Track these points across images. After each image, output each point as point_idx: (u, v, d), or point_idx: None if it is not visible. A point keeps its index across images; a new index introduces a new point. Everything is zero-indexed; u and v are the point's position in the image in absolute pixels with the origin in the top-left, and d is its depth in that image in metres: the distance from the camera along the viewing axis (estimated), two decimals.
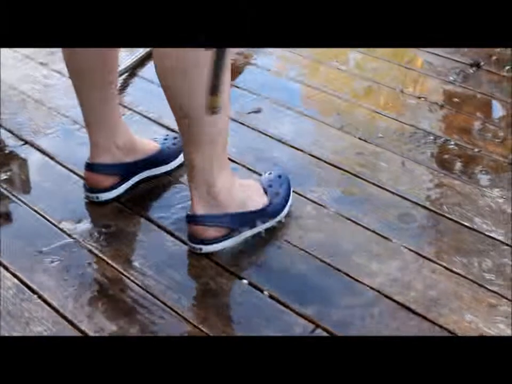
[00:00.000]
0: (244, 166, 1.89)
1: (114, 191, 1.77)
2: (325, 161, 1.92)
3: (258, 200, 1.65)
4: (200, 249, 1.60)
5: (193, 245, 1.60)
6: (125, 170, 1.77)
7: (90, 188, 1.76)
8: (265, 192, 1.68)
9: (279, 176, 1.75)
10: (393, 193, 1.80)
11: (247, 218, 1.63)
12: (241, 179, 1.68)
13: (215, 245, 1.61)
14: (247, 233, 1.64)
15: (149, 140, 1.86)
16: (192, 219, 1.59)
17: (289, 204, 1.72)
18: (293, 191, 1.76)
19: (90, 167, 1.75)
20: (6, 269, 1.57)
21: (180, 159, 1.85)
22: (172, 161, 1.86)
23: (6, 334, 1.40)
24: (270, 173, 1.76)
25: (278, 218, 1.69)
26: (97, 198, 1.76)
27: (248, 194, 1.65)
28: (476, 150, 1.97)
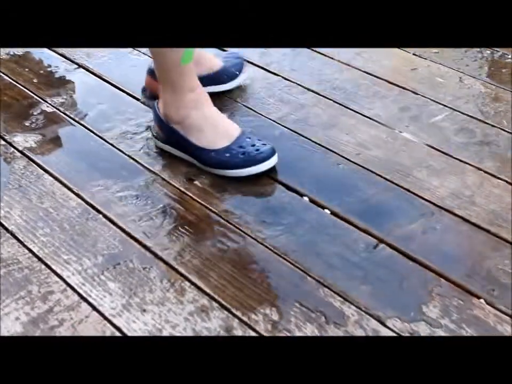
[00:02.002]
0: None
1: None
2: (381, 78, 1.90)
3: None
4: None
5: None
6: None
7: (151, 94, 1.75)
8: None
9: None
10: (451, 108, 1.79)
11: None
12: None
13: None
14: None
15: (213, 55, 1.86)
16: None
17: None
18: (350, 109, 1.76)
19: (151, 72, 1.75)
20: (70, 189, 1.58)
21: (240, 79, 1.84)
22: (232, 80, 1.85)
23: (75, 254, 1.43)
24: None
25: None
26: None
27: None
28: None
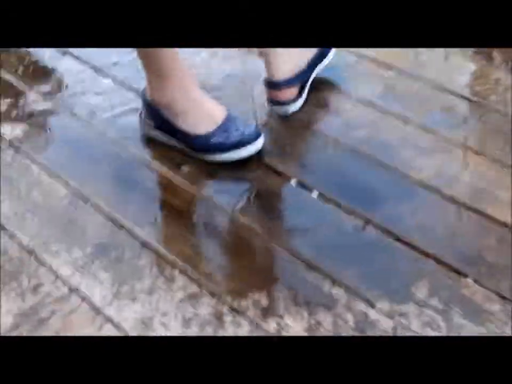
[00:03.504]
0: None
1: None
2: (365, 56, 1.90)
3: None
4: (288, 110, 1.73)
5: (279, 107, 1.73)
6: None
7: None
8: None
9: None
10: (437, 86, 1.79)
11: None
12: None
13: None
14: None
15: None
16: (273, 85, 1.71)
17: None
18: (336, 90, 1.77)
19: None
20: (58, 179, 1.58)
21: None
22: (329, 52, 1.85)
23: (65, 244, 1.43)
24: None
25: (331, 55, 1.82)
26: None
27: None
28: None
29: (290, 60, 1.70)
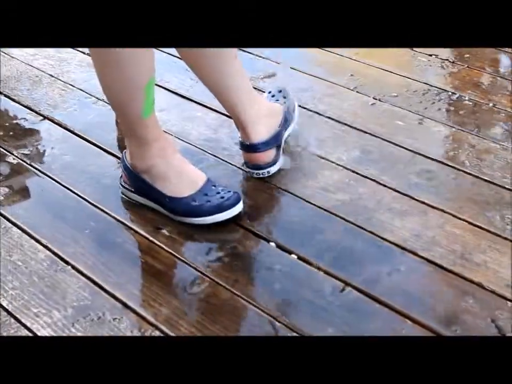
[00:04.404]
0: None
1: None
2: (342, 122, 1.94)
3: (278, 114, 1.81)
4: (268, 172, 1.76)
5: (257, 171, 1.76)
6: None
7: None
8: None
9: (279, 91, 1.91)
10: (411, 151, 1.82)
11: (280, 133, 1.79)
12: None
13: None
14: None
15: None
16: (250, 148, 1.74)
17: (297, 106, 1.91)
18: (313, 154, 1.80)
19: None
20: (38, 241, 1.59)
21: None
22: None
23: (45, 307, 1.43)
24: (270, 91, 1.92)
25: (296, 119, 1.88)
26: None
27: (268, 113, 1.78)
28: (491, 104, 1.99)
29: (265, 122, 1.73)
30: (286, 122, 1.82)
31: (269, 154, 1.75)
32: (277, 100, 1.88)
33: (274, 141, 1.76)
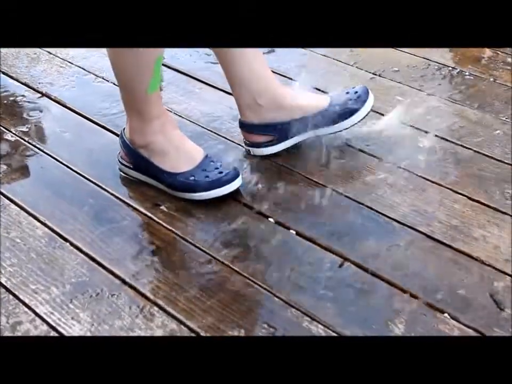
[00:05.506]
0: None
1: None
2: None
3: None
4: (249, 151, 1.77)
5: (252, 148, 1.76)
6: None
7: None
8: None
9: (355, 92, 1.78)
10: (411, 126, 1.82)
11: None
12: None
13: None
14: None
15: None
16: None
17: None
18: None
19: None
20: (36, 218, 1.59)
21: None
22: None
23: (44, 283, 1.43)
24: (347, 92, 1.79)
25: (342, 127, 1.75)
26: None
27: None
28: (491, 79, 1.98)
29: (260, 107, 1.72)
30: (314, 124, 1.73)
31: (263, 137, 1.74)
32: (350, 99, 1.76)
33: (268, 130, 1.73)
